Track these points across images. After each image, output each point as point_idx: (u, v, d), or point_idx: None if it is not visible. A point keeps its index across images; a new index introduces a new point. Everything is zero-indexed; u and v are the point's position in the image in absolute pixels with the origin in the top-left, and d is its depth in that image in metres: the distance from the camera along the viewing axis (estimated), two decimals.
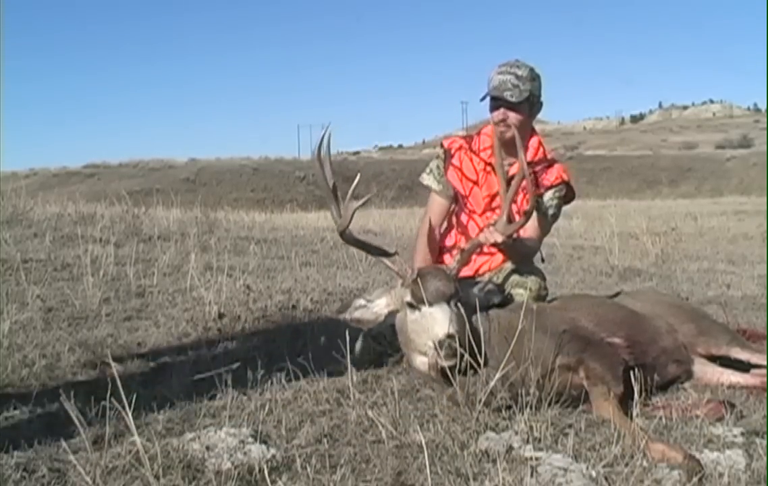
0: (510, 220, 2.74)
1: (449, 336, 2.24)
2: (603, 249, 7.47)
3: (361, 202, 2.52)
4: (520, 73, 2.95)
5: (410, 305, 2.40)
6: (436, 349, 2.26)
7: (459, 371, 2.28)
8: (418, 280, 2.40)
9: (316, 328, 3.39)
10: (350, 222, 2.53)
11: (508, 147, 3.01)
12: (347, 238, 2.59)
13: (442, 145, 3.22)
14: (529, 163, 3.05)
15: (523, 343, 2.35)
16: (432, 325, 2.30)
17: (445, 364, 2.26)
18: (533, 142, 3.08)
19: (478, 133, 3.15)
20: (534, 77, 2.99)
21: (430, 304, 2.33)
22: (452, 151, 3.14)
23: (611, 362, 2.43)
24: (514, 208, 2.97)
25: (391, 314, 2.57)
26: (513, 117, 2.96)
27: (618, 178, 43.44)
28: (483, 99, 3.01)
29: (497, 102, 2.96)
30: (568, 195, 3.16)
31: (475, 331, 2.37)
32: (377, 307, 2.57)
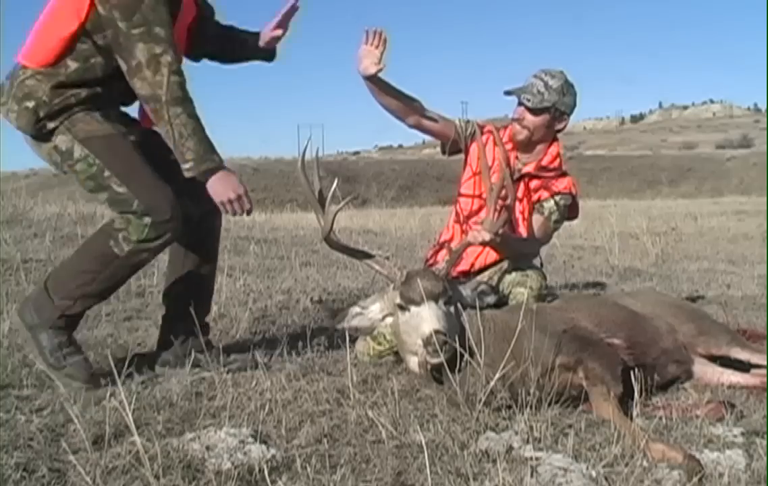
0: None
1: (436, 332, 2.23)
2: (603, 249, 7.47)
3: (341, 205, 2.50)
4: (551, 83, 2.98)
5: (400, 307, 2.40)
6: (424, 346, 2.26)
7: (451, 370, 2.28)
8: (407, 281, 2.41)
9: (315, 328, 3.39)
10: (332, 226, 2.53)
11: (523, 146, 3.07)
12: (331, 243, 2.58)
13: (477, 123, 3.25)
14: (542, 168, 3.10)
15: (522, 343, 2.35)
16: (420, 323, 2.30)
17: (432, 360, 2.27)
18: (552, 149, 3.14)
19: (506, 127, 3.20)
20: (565, 91, 3.02)
21: (418, 304, 2.33)
22: (483, 131, 3.15)
23: (610, 362, 2.43)
24: (518, 210, 2.99)
25: (387, 318, 2.56)
26: (529, 120, 3.01)
27: (618, 178, 43.45)
28: (506, 94, 3.08)
29: (519, 101, 3.03)
30: (572, 211, 3.19)
31: (465, 330, 2.37)
32: (372, 313, 2.55)
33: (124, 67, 2.48)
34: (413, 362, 2.41)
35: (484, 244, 2.74)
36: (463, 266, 3.07)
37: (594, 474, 1.86)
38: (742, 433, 2.13)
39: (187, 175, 2.46)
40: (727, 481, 1.82)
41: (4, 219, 6.31)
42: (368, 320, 2.56)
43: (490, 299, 2.60)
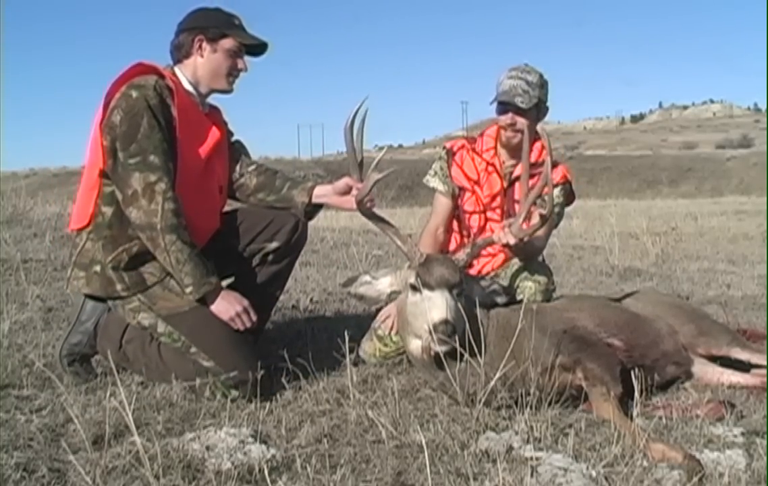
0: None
1: (445, 321, 2.25)
2: (603, 249, 7.47)
3: (382, 175, 2.52)
4: (530, 78, 2.96)
5: (413, 287, 2.41)
6: (430, 333, 2.28)
7: (454, 359, 2.30)
8: (426, 263, 2.43)
9: (315, 328, 3.39)
10: (369, 192, 2.56)
11: (514, 150, 3.04)
12: (362, 207, 2.60)
13: (444, 147, 3.24)
14: (533, 165, 3.06)
15: (522, 342, 2.35)
16: (430, 308, 2.32)
17: (439, 349, 2.28)
18: (537, 144, 3.10)
19: (481, 135, 3.18)
20: (543, 83, 3.01)
21: (432, 289, 2.34)
22: (455, 150, 3.16)
23: (609, 363, 2.43)
24: (516, 208, 2.97)
25: (393, 294, 2.58)
26: (521, 122, 2.97)
27: (618, 178, 43.49)
28: (492, 103, 3.03)
29: (506, 106, 2.97)
30: (569, 197, 3.18)
31: (473, 325, 2.37)
32: (381, 285, 2.59)
33: (119, 196, 2.50)
34: (414, 345, 2.42)
35: (506, 246, 2.74)
36: (471, 272, 3.05)
37: (594, 474, 1.86)
38: (742, 433, 2.14)
39: (190, 297, 2.50)
40: (727, 481, 1.82)
41: (4, 219, 6.31)
42: (375, 291, 2.60)
43: (501, 299, 2.60)
